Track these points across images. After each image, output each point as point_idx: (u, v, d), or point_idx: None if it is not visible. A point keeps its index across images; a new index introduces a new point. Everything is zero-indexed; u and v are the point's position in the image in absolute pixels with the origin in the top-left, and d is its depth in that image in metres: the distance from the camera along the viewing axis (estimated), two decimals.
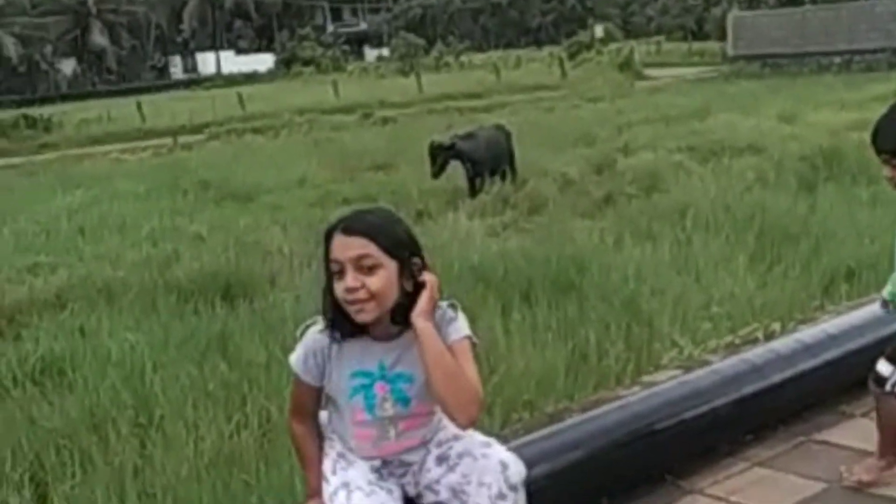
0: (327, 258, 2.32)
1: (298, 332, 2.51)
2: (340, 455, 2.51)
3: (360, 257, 2.27)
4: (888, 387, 3.17)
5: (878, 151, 3.07)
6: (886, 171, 3.08)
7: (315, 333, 2.44)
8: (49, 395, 4.69)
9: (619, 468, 3.26)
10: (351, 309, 2.30)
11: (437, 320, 2.37)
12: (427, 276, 2.35)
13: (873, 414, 3.63)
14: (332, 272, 2.30)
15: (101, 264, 8.12)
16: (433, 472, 2.46)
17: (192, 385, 4.59)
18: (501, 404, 4.00)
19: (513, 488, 2.37)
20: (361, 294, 2.27)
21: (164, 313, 6.14)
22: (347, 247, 2.28)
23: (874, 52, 29.50)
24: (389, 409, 2.41)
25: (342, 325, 2.37)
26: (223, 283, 6.96)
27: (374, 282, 2.28)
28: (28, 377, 5.02)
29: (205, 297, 6.51)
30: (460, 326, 2.40)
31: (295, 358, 2.47)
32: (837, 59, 30.39)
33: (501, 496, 2.36)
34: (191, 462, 3.83)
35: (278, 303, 6.18)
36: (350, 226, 2.31)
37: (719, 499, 3.26)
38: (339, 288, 2.29)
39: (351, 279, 2.27)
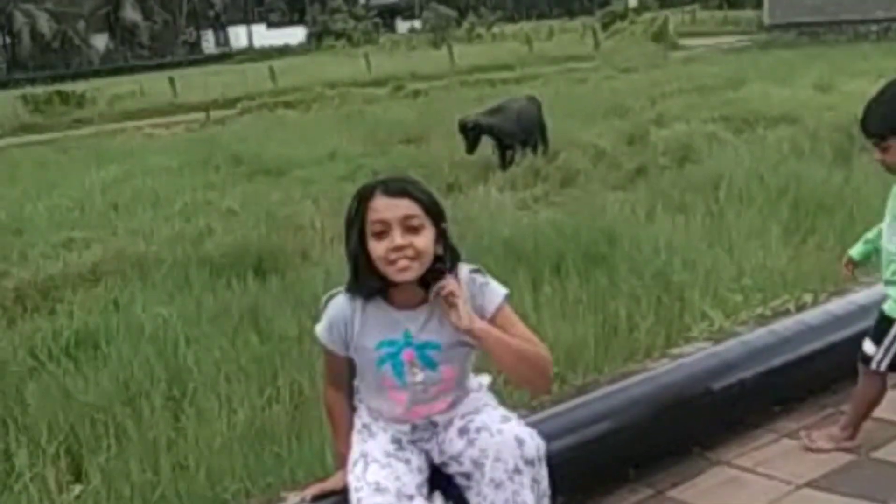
0: (362, 219, 2.35)
1: (322, 303, 2.54)
2: (365, 426, 2.55)
3: (408, 217, 2.32)
4: (873, 365, 3.22)
5: (867, 135, 3.12)
6: (876, 155, 3.14)
7: (338, 303, 2.47)
8: (83, 368, 4.76)
9: (647, 439, 3.25)
10: (393, 268, 2.33)
11: (475, 290, 2.43)
12: (449, 283, 2.37)
13: None
14: (374, 232, 2.33)
15: (135, 239, 8.22)
16: (455, 444, 2.48)
17: (224, 359, 4.64)
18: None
19: (529, 463, 2.37)
20: (409, 252, 2.32)
21: (197, 288, 6.20)
22: (396, 206, 2.32)
23: None
24: (419, 374, 2.45)
25: (370, 284, 2.39)
26: (255, 257, 7.02)
27: (420, 241, 2.32)
28: (63, 351, 5.11)
29: (237, 271, 6.57)
30: (495, 288, 2.46)
31: (320, 328, 2.51)
32: (875, 28, 29.81)
33: (517, 471, 2.36)
34: (223, 435, 3.88)
35: (309, 277, 6.21)
36: (394, 187, 2.35)
37: (746, 469, 3.25)
38: (380, 247, 2.32)
39: (399, 237, 2.31)
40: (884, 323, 3.22)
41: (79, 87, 34.53)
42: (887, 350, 3.20)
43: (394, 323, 2.44)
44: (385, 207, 2.32)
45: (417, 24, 66.55)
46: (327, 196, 9.82)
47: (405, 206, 2.32)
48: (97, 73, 55.58)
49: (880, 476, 3.14)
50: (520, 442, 2.38)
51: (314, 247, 7.50)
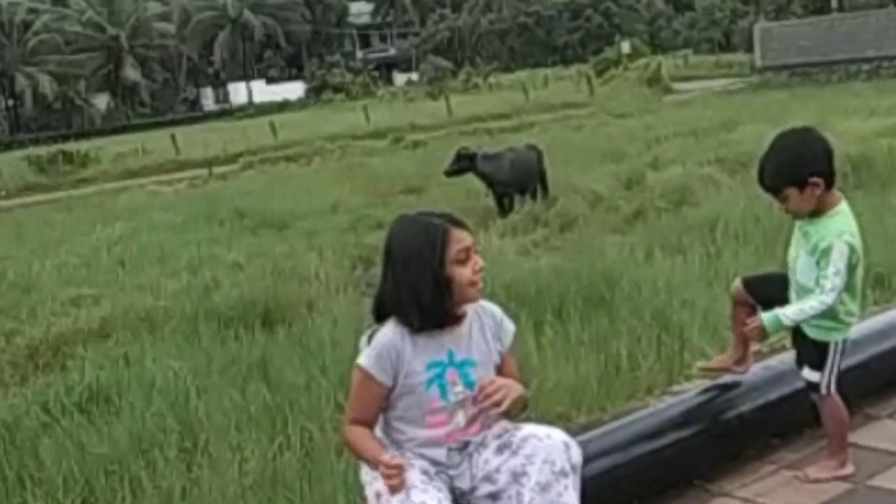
0: (443, 251, 2.57)
1: (365, 338, 2.68)
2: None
3: (474, 244, 2.65)
4: (823, 390, 3.37)
5: (765, 190, 3.31)
6: (778, 204, 3.34)
7: (386, 334, 2.61)
8: (97, 422, 4.83)
9: (649, 473, 3.34)
10: (475, 289, 2.62)
11: (496, 322, 2.75)
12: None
13: None
14: (459, 259, 2.59)
15: (143, 294, 8.32)
16: (492, 461, 2.62)
17: (235, 409, 4.72)
18: (535, 419, 4.08)
19: (574, 468, 2.58)
20: (483, 274, 2.64)
21: (206, 340, 6.29)
22: (468, 235, 2.63)
23: None
24: (460, 392, 2.63)
25: (447, 311, 2.60)
26: (262, 309, 7.12)
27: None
28: (76, 406, 5.18)
29: (245, 323, 6.67)
30: (508, 324, 2.78)
31: (368, 359, 2.61)
32: (866, 67, 30.16)
33: (564, 473, 2.55)
34: (236, 483, 3.94)
35: (316, 327, 6.30)
36: (458, 220, 2.66)
37: (747, 500, 3.34)
38: (466, 272, 2.59)
39: (480, 260, 2.62)
40: (818, 348, 3.35)
41: (82, 146, 34.90)
42: (831, 372, 3.34)
43: (439, 345, 2.63)
44: (464, 237, 2.61)
45: (415, 76, 67.38)
46: (331, 247, 9.96)
47: (470, 235, 2.64)
48: (99, 133, 56.16)
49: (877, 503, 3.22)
50: (567, 446, 2.59)
51: (320, 297, 7.61)
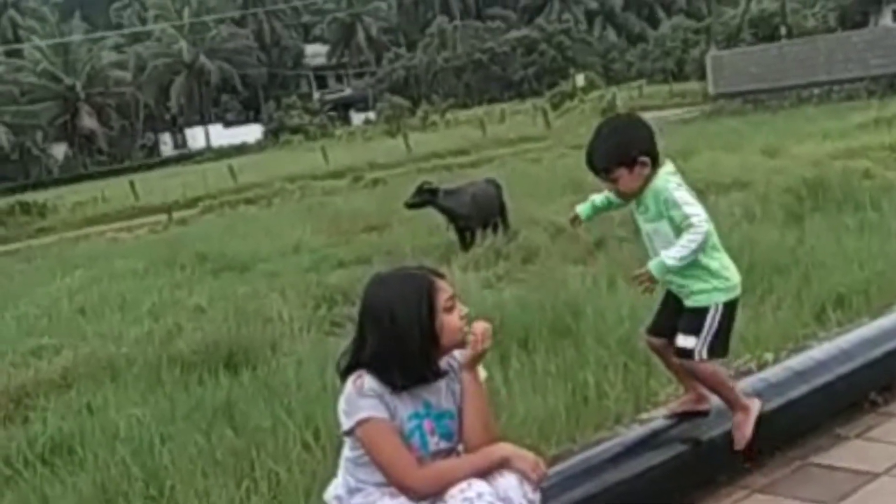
0: (431, 304, 2.60)
1: (343, 403, 2.67)
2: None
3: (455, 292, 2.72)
4: (696, 356, 3.45)
5: (596, 172, 3.46)
6: (608, 187, 3.50)
7: (371, 384, 2.62)
8: (60, 473, 4.74)
9: (621, 502, 3.32)
10: (462, 336, 2.65)
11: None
12: (477, 325, 2.66)
13: (868, 434, 3.75)
14: (447, 308, 2.63)
15: (104, 342, 8.19)
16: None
17: (200, 454, 4.64)
18: None
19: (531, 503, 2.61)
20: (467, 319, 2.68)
21: (169, 386, 6.20)
22: (448, 285, 2.69)
23: (853, 81, 29.93)
24: (438, 443, 2.66)
25: (423, 368, 2.63)
26: (226, 352, 7.02)
27: None
28: (38, 458, 5.07)
29: (208, 367, 6.58)
30: (481, 369, 2.77)
31: (368, 410, 2.61)
32: (817, 91, 30.81)
33: None
34: None
35: (281, 368, 6.24)
36: (438, 272, 2.74)
37: None
38: (454, 319, 2.64)
39: (463, 307, 2.69)
40: (695, 315, 3.43)
41: (40, 196, 34.58)
42: (707, 337, 3.43)
43: (417, 396, 2.65)
44: (446, 286, 2.67)
45: (372, 115, 67.63)
46: (293, 287, 9.89)
47: (450, 284, 2.71)
48: (57, 182, 55.73)
49: None
50: (521, 481, 2.61)
51: (284, 338, 7.53)
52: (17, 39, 74.36)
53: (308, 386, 5.26)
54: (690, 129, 25.50)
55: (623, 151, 3.39)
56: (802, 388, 3.93)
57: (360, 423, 2.59)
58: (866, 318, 5.14)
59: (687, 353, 3.46)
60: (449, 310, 2.64)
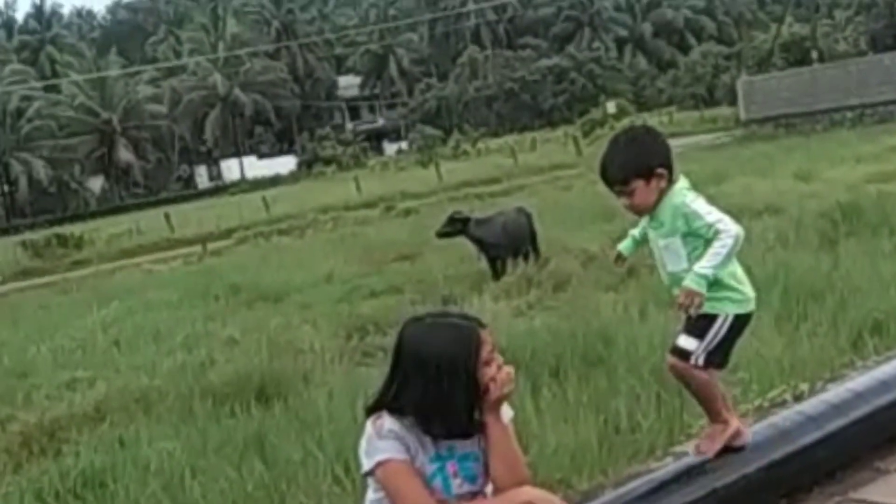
0: (476, 356, 2.57)
1: (364, 444, 2.65)
2: None
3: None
4: (692, 360, 3.35)
5: (611, 184, 3.38)
6: (623, 200, 3.39)
7: (392, 427, 2.59)
8: None
9: None
10: (503, 389, 2.61)
11: None
12: (505, 369, 2.62)
13: None
14: (487, 361, 2.59)
15: (138, 375, 8.25)
16: None
17: (231, 488, 4.65)
18: (536, 486, 4.02)
19: None
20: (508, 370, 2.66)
21: (201, 418, 6.22)
22: (489, 335, 2.67)
23: (885, 104, 29.64)
24: (461, 485, 2.62)
25: (465, 421, 2.59)
26: (257, 384, 7.04)
27: None
28: (70, 492, 5.11)
29: (240, 399, 6.59)
30: (506, 409, 2.71)
31: (388, 451, 2.57)
32: (849, 114, 30.54)
33: None
34: None
35: (312, 400, 6.24)
36: (481, 322, 2.68)
37: None
38: (491, 372, 2.59)
39: (499, 356, 2.65)
40: (703, 319, 3.33)
41: (77, 229, 35.00)
42: (709, 344, 3.33)
43: (437, 439, 2.62)
44: (488, 336, 2.64)
45: (404, 145, 68.05)
46: (326, 318, 9.92)
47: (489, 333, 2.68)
48: (94, 215, 56.51)
49: None
50: None
51: (315, 369, 7.53)
52: (55, 74, 75.84)
53: (339, 418, 5.25)
54: (722, 155, 25.35)
55: (642, 162, 3.34)
56: (840, 421, 3.84)
57: (380, 464, 2.56)
58: None
59: (684, 355, 3.37)
60: (489, 362, 2.60)
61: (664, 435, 4.47)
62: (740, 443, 3.56)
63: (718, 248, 3.24)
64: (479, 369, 2.56)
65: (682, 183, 3.42)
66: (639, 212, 3.46)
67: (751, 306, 3.45)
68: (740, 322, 3.40)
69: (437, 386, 2.53)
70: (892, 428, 4.06)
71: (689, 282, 3.25)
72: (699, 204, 3.33)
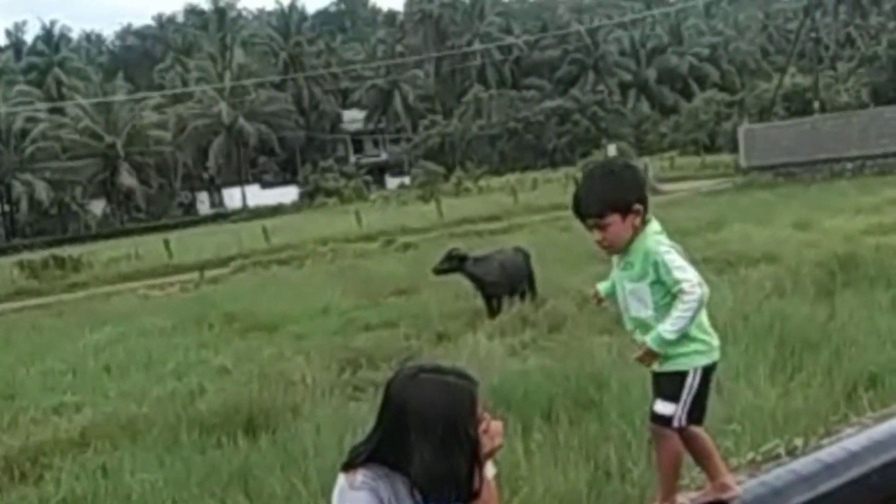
0: (473, 417, 2.50)
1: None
2: None
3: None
4: (675, 423, 3.26)
5: (584, 218, 3.28)
6: (596, 236, 3.29)
7: (367, 474, 2.52)
8: None
9: None
10: (493, 448, 2.57)
11: None
12: (493, 424, 2.56)
13: None
14: (480, 418, 2.52)
15: (126, 401, 8.18)
16: None
17: None
18: None
19: None
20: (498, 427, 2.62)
21: (187, 448, 6.15)
22: (478, 391, 2.57)
23: (885, 156, 29.76)
24: None
25: (471, 488, 2.50)
26: (246, 414, 6.98)
27: None
28: None
29: (227, 430, 6.53)
30: (490, 466, 2.65)
31: None
32: (850, 165, 30.63)
33: None
34: None
35: (300, 433, 6.18)
36: (474, 379, 2.58)
37: None
38: (486, 436, 2.52)
39: (487, 414, 2.57)
40: (673, 379, 3.25)
41: (75, 251, 34.94)
42: (686, 403, 3.24)
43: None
44: (478, 393, 2.56)
45: (407, 180, 68.20)
46: (319, 350, 9.86)
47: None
48: (94, 237, 56.50)
49: None
50: None
51: (305, 402, 7.47)
52: (62, 97, 76.21)
53: (325, 453, 5.19)
54: (722, 201, 25.41)
55: (619, 196, 3.24)
56: (834, 482, 3.78)
57: None
58: None
59: (665, 420, 3.28)
60: (480, 419, 2.53)
61: (655, 484, 4.40)
62: (731, 495, 3.50)
63: (682, 312, 3.18)
64: (476, 432, 2.50)
65: (655, 226, 3.33)
66: (611, 248, 3.35)
67: (716, 355, 3.38)
68: (707, 372, 3.33)
69: (443, 449, 2.44)
70: (887, 489, 4.00)
71: (652, 342, 3.21)
72: (672, 257, 3.25)
